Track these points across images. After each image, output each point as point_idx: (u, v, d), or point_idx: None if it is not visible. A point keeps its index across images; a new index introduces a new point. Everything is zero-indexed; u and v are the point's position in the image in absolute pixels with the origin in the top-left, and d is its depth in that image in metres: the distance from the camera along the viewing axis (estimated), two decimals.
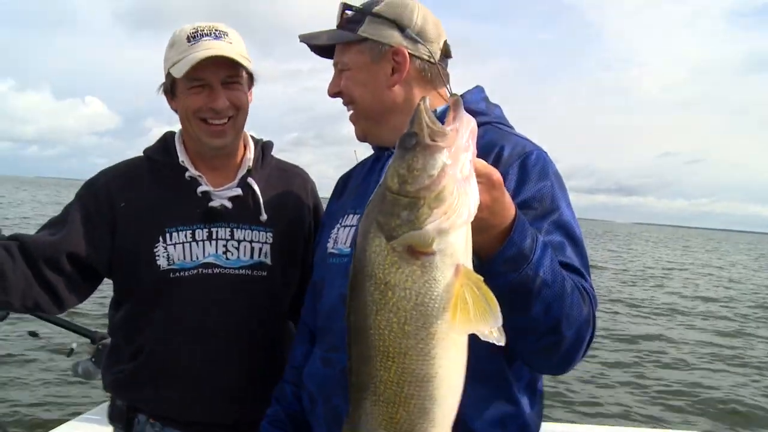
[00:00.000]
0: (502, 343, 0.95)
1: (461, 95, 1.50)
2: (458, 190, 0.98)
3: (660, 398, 7.56)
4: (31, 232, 1.73)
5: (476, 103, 1.49)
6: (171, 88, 1.74)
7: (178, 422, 1.72)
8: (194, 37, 1.68)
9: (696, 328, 12.53)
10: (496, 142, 1.37)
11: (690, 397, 7.69)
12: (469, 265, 1.00)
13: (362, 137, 1.54)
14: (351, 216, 1.49)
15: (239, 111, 1.73)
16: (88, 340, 2.54)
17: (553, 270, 1.14)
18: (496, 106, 1.54)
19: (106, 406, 1.90)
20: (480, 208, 1.03)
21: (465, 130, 1.03)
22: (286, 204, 1.86)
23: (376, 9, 1.45)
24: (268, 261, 1.77)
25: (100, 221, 1.71)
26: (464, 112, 1.05)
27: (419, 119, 1.03)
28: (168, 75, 1.71)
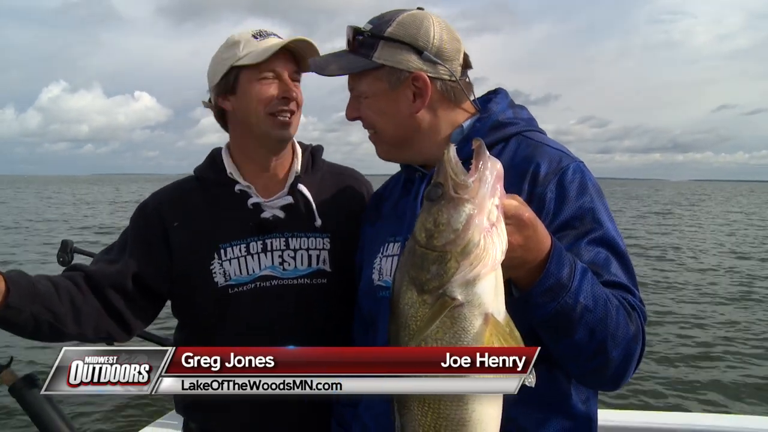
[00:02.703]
0: (532, 384, 0.98)
1: (487, 99, 1.49)
2: (485, 240, 1.02)
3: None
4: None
5: (503, 113, 1.45)
6: (233, 86, 1.72)
7: None
8: (261, 35, 1.72)
9: None
10: (531, 158, 1.34)
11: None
12: (501, 309, 1.04)
13: (385, 158, 1.52)
14: (391, 245, 1.49)
15: (299, 108, 1.75)
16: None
17: (594, 294, 1.14)
18: (523, 108, 1.50)
19: (174, 413, 1.99)
20: (513, 248, 1.06)
21: (490, 175, 1.06)
22: (341, 208, 1.82)
23: (389, 32, 1.38)
24: (327, 268, 1.75)
25: (156, 243, 1.74)
26: (488, 156, 1.07)
27: (444, 170, 1.07)
28: (229, 73, 1.71)
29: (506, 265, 1.06)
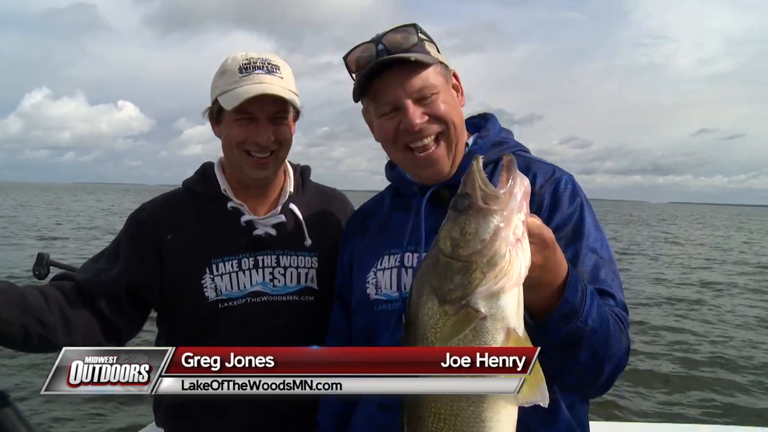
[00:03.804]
0: (546, 404, 0.95)
1: (477, 123, 1.54)
2: (510, 253, 1.00)
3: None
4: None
5: (498, 134, 1.53)
6: (217, 115, 1.75)
7: None
8: (246, 69, 1.68)
9: None
10: (526, 171, 1.37)
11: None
12: (521, 325, 1.02)
13: (441, 169, 1.42)
14: (387, 258, 1.48)
15: (282, 146, 1.75)
16: None
17: (600, 314, 1.16)
18: (510, 132, 1.58)
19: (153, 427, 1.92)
20: (533, 268, 1.04)
21: (518, 191, 1.04)
22: (328, 228, 1.86)
23: (422, 34, 1.44)
24: (315, 286, 1.77)
25: (148, 253, 1.73)
26: (518, 172, 1.06)
27: (471, 180, 1.05)
28: (215, 102, 1.72)
29: (526, 284, 1.03)
